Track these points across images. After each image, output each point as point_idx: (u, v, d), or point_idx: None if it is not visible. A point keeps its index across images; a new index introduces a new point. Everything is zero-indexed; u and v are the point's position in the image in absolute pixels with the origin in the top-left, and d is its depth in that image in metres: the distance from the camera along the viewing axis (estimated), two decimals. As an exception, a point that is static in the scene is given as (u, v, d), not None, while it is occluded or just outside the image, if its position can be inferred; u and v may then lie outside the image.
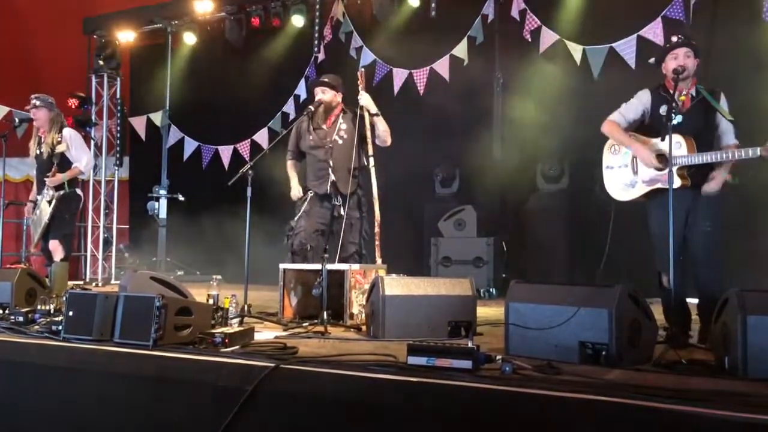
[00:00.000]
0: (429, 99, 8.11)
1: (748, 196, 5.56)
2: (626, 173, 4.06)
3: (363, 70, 5.37)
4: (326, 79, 5.23)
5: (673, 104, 3.75)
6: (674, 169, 3.63)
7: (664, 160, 3.80)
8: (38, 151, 5.98)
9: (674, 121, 3.78)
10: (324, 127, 5.16)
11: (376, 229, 4.99)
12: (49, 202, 5.88)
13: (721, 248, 3.82)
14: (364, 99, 5.05)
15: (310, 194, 5.15)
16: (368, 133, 5.04)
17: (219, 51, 9.80)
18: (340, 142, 5.11)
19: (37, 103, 5.96)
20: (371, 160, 5.04)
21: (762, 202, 5.95)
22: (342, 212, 5.00)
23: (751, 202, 5.89)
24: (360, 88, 5.09)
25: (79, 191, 6.16)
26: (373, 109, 5.07)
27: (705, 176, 3.79)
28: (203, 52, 9.99)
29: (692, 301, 3.89)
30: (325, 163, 5.03)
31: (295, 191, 5.23)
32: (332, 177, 4.99)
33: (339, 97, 5.20)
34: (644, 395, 2.30)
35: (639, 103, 4.06)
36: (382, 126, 5.09)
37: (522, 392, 2.43)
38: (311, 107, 5.14)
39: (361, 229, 5.14)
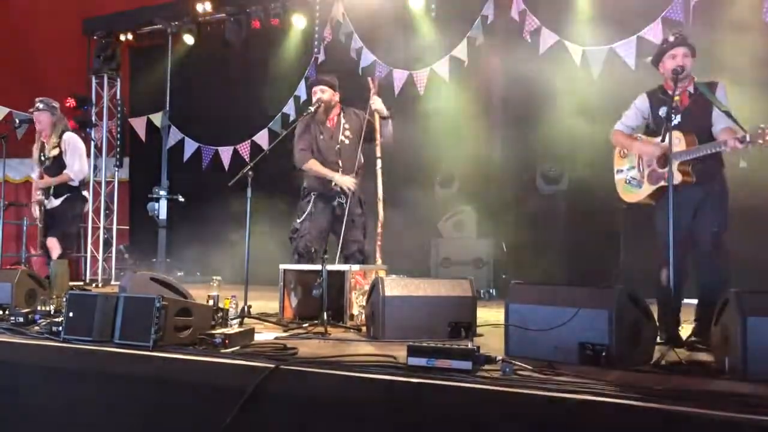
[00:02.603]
0: (429, 100, 8.11)
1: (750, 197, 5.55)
2: (634, 174, 4.10)
3: (378, 75, 5.45)
4: (326, 78, 5.28)
5: (673, 105, 3.76)
6: (675, 165, 3.64)
7: (665, 159, 3.82)
8: (42, 157, 6.01)
9: (674, 122, 3.80)
10: (329, 126, 5.20)
11: (379, 230, 5.02)
12: (40, 206, 5.91)
13: (726, 250, 3.81)
14: (377, 103, 5.12)
15: (313, 195, 5.17)
16: (377, 136, 5.11)
17: (219, 52, 9.80)
18: (347, 142, 5.18)
19: (40, 106, 5.99)
20: (379, 162, 5.10)
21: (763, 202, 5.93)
22: (345, 211, 5.02)
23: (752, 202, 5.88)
24: (372, 92, 5.15)
25: (84, 193, 6.19)
26: (385, 113, 5.14)
27: (712, 172, 3.78)
28: (203, 53, 9.99)
29: (691, 301, 3.90)
30: (336, 165, 5.11)
31: (347, 179, 5.03)
32: (354, 180, 5.07)
33: (337, 96, 5.24)
34: (644, 396, 2.30)
35: (636, 109, 4.15)
36: (390, 128, 5.18)
37: (522, 393, 2.43)
38: (311, 108, 5.16)
39: (363, 226, 5.17)
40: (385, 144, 5.18)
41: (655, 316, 3.31)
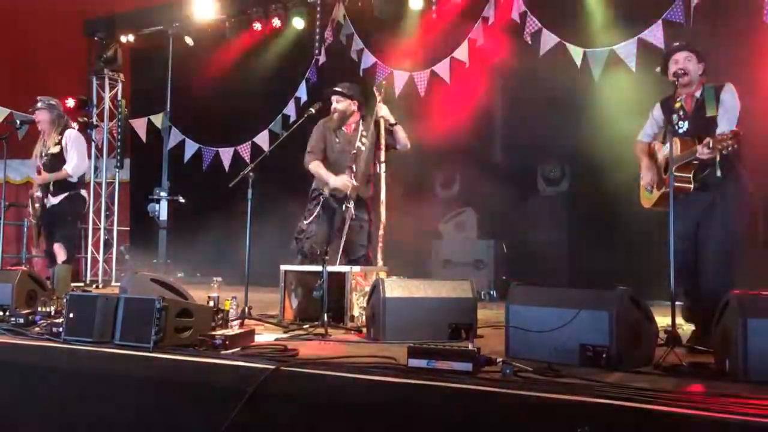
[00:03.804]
0: (430, 101, 8.11)
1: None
2: (649, 180, 4.16)
3: (384, 82, 5.54)
4: (338, 89, 5.27)
5: (681, 112, 3.77)
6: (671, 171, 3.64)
7: (666, 165, 3.84)
8: (42, 153, 5.98)
9: (682, 129, 3.83)
10: (345, 131, 5.23)
11: (381, 232, 5.04)
12: (40, 203, 5.88)
13: (730, 256, 3.80)
14: (383, 110, 5.16)
15: (322, 198, 5.15)
16: (382, 141, 5.15)
17: (220, 53, 9.80)
18: (363, 149, 5.19)
19: (39, 105, 5.97)
20: (383, 166, 5.14)
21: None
22: (353, 215, 5.03)
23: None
24: (378, 100, 5.19)
25: (83, 193, 6.14)
26: (392, 120, 5.19)
27: (715, 181, 3.77)
28: (204, 54, 9.99)
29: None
30: (350, 170, 5.11)
31: (340, 180, 5.02)
32: (354, 182, 5.06)
33: (355, 105, 5.23)
34: (644, 398, 2.30)
35: (653, 119, 4.21)
36: (402, 134, 5.23)
37: (522, 395, 2.43)
38: (312, 109, 5.16)
39: (370, 231, 5.18)
40: (403, 146, 5.25)
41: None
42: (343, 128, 5.22)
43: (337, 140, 5.20)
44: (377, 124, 5.17)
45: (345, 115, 5.20)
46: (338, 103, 5.19)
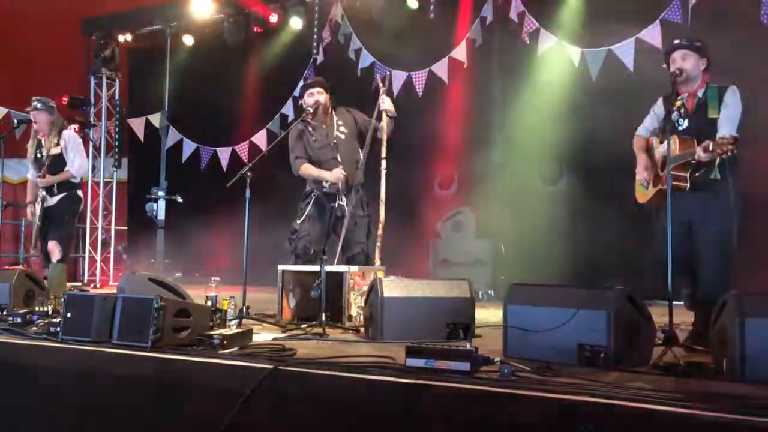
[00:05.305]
0: (428, 101, 8.12)
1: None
2: (645, 175, 4.16)
3: (388, 74, 5.57)
4: (319, 80, 5.36)
5: (682, 110, 3.77)
6: (669, 170, 3.64)
7: (663, 162, 3.83)
8: (38, 155, 5.99)
9: (681, 127, 3.82)
10: (324, 126, 5.23)
11: (379, 231, 5.04)
12: (41, 204, 5.90)
13: (726, 254, 3.80)
14: (387, 103, 5.17)
15: (313, 197, 5.17)
16: (384, 137, 5.14)
17: (218, 52, 9.80)
18: (343, 137, 5.22)
19: (38, 105, 5.96)
20: (383, 162, 5.12)
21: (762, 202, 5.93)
22: (346, 212, 5.02)
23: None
24: (381, 92, 5.20)
25: (80, 193, 6.16)
26: (393, 113, 5.20)
27: (711, 181, 3.77)
28: (202, 53, 9.99)
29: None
30: (334, 160, 5.13)
31: (333, 173, 5.04)
32: (344, 172, 5.07)
33: (328, 96, 5.29)
34: (642, 397, 2.30)
35: (654, 114, 4.19)
36: (391, 128, 5.22)
37: (520, 394, 2.43)
38: (310, 110, 5.17)
39: (368, 227, 5.17)
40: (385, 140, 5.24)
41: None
42: (324, 123, 5.22)
43: (314, 138, 5.21)
44: (380, 116, 5.18)
45: (327, 107, 5.23)
46: (320, 95, 5.21)
